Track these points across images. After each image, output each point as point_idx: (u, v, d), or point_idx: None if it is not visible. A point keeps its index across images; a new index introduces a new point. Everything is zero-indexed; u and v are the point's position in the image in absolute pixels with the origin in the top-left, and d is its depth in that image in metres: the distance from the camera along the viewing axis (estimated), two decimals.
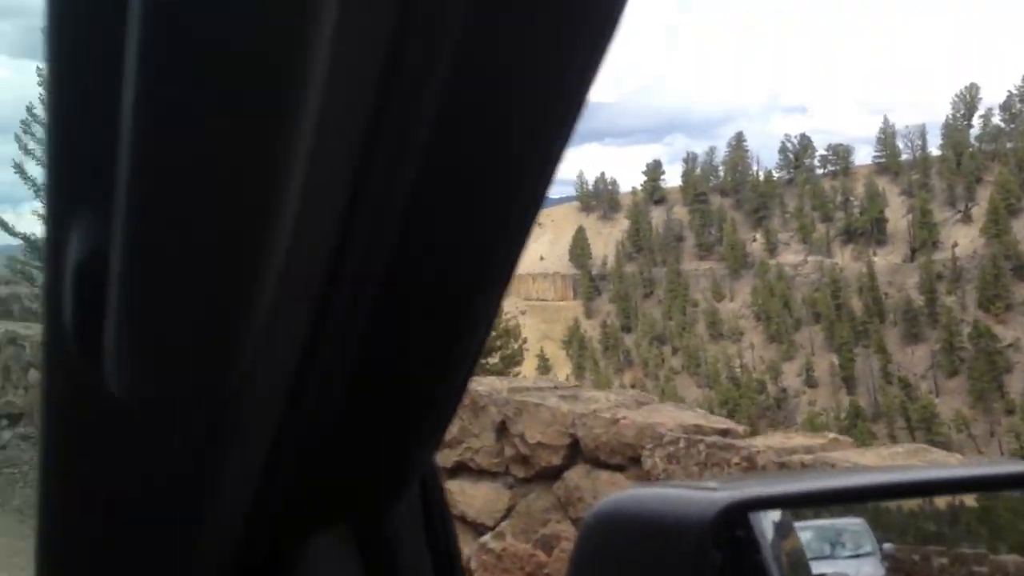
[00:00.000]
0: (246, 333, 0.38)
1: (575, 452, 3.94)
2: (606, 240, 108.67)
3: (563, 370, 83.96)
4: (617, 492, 0.99)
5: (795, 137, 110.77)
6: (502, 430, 4.27)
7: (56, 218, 0.42)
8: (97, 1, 0.38)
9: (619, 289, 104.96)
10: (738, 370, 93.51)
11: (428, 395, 0.61)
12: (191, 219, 0.33)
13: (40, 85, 19.18)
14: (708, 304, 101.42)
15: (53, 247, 0.43)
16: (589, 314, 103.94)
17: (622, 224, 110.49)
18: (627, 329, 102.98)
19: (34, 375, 8.29)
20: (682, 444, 3.48)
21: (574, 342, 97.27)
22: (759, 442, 3.50)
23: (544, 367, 78.89)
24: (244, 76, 0.30)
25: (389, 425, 0.62)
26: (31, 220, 19.47)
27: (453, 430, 4.41)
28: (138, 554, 0.57)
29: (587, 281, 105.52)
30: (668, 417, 3.74)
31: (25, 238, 18.98)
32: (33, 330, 8.68)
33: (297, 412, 0.55)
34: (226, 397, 0.43)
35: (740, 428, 3.75)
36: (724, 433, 3.61)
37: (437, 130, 0.47)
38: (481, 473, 4.38)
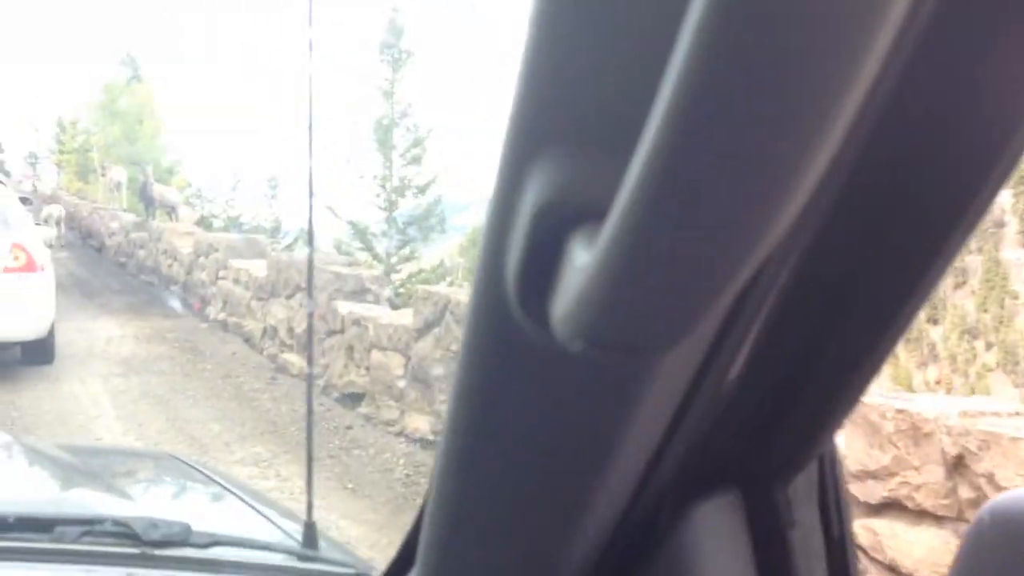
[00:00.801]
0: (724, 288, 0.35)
1: None
2: None
3: None
4: (1017, 488, 0.86)
5: None
6: (957, 465, 3.43)
7: (513, 167, 0.41)
8: None
9: None
10: None
11: (843, 372, 0.58)
12: (701, 188, 0.32)
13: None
14: None
15: (505, 199, 0.42)
16: None
17: None
18: (933, 321, 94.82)
19: (376, 356, 8.41)
20: None
21: None
22: None
23: None
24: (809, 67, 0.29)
25: (798, 393, 0.59)
26: (355, 207, 20.74)
27: (885, 459, 3.62)
28: (536, 509, 0.57)
29: None
30: None
31: (351, 223, 20.26)
32: (375, 311, 8.83)
33: (708, 369, 0.53)
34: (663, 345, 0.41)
35: None
36: None
37: (891, 115, 0.46)
38: (922, 515, 3.56)
